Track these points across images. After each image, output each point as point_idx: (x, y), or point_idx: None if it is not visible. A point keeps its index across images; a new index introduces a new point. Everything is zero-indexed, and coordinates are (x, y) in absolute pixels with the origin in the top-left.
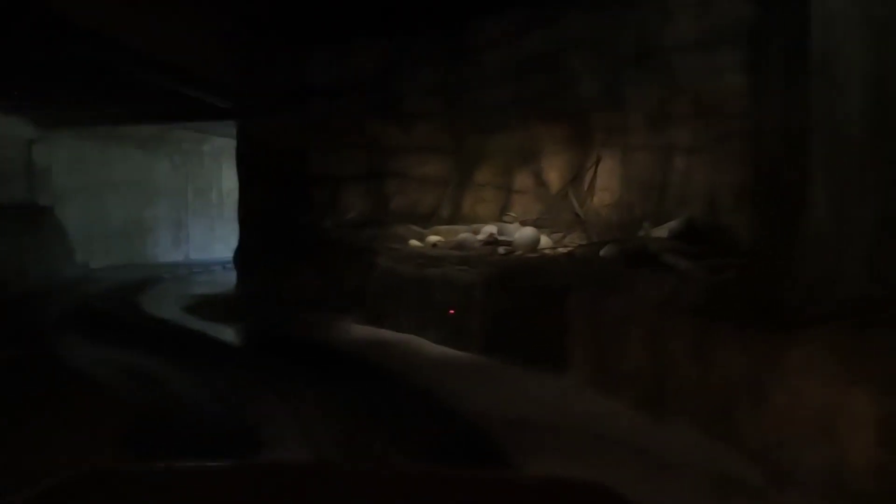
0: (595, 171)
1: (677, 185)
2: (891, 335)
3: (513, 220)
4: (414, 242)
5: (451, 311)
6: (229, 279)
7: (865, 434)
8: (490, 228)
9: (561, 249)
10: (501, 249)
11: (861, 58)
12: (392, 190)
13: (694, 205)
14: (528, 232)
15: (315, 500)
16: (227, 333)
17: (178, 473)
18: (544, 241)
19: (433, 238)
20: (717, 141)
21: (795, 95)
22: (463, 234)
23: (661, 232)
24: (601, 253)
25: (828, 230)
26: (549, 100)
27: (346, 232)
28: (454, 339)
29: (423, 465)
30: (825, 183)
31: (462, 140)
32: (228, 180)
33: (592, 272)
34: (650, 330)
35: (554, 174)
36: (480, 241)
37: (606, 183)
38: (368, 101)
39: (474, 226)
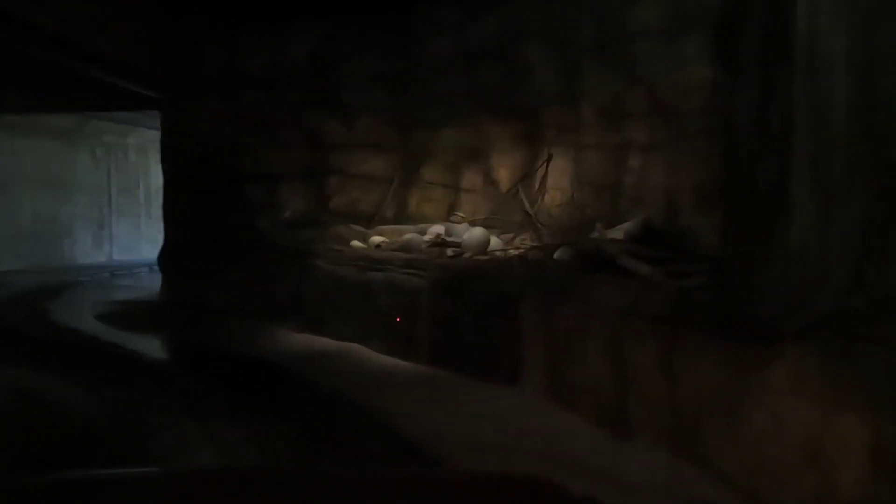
0: (546, 170)
1: (632, 185)
2: (882, 353)
3: (461, 220)
4: (356, 244)
5: (398, 319)
6: (155, 283)
7: (856, 461)
8: (437, 229)
9: (512, 251)
10: (450, 251)
11: (846, 47)
12: (333, 188)
13: (650, 206)
14: (477, 233)
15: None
16: (144, 345)
17: (99, 482)
18: (494, 242)
19: (377, 239)
20: (676, 138)
21: (774, 88)
22: (409, 234)
23: (617, 234)
24: (555, 256)
25: (810, 235)
26: (500, 93)
27: (283, 232)
28: (400, 349)
29: (369, 467)
30: (808, 183)
31: (408, 136)
32: (157, 176)
33: (546, 276)
34: (610, 340)
35: (504, 172)
36: (427, 242)
37: (558, 182)
38: (307, 92)
39: (421, 226)
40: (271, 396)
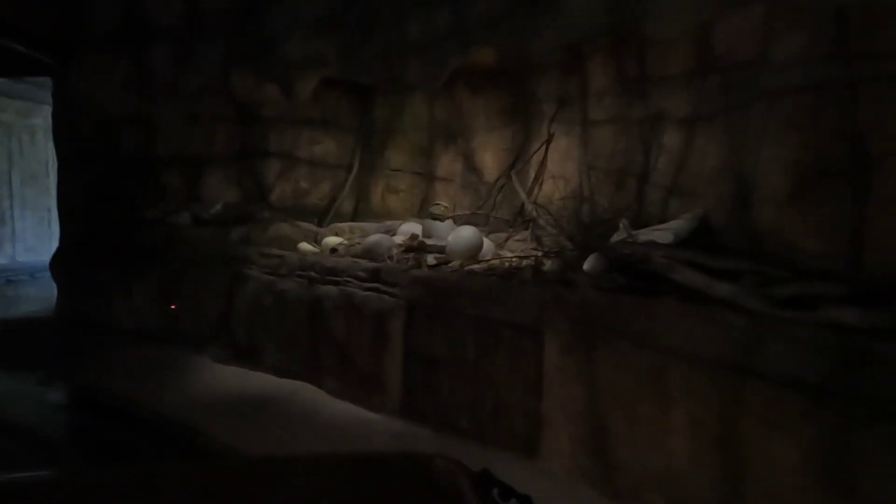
0: (545, 154)
1: (666, 170)
2: None
3: (443, 215)
4: (305, 246)
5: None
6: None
7: None
8: (412, 228)
9: (514, 259)
10: (430, 258)
11: None
12: (274, 175)
13: (703, 196)
14: (466, 234)
15: None
16: (3, 393)
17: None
18: (487, 246)
19: (332, 240)
20: (752, 102)
21: None
22: (374, 236)
23: (660, 235)
24: (585, 267)
25: None
26: (483, 43)
27: (209, 232)
28: (362, 393)
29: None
30: None
31: (369, 107)
32: None
33: (579, 300)
34: (705, 414)
35: (489, 157)
36: (400, 245)
37: (560, 168)
38: (232, 46)
39: (389, 224)
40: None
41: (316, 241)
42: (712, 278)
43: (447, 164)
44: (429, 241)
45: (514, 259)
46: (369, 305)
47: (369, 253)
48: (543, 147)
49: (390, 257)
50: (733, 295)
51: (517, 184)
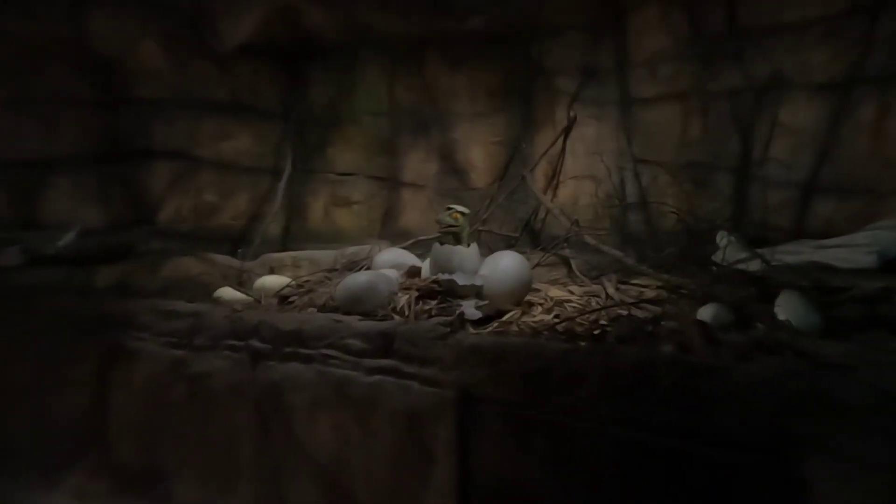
0: (564, 145)
1: (799, 159)
2: None
3: (461, 228)
4: (229, 294)
5: (368, 487)
6: None
7: None
8: (397, 255)
9: (571, 306)
10: (471, 309)
11: None
12: (161, 185)
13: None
14: (511, 264)
15: None
16: None
17: None
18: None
19: (272, 282)
20: None
21: None
22: (361, 275)
23: (853, 257)
24: (785, 318)
25: None
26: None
27: (57, 276)
28: None
29: None
30: None
31: (299, 88)
32: None
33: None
34: None
35: (478, 153)
36: (407, 287)
37: (586, 165)
38: None
39: (354, 250)
40: None
41: (241, 283)
42: None
43: (417, 164)
44: (444, 278)
45: (571, 307)
46: (384, 401)
47: (357, 303)
48: (562, 136)
49: (398, 310)
50: None
51: (535, 188)
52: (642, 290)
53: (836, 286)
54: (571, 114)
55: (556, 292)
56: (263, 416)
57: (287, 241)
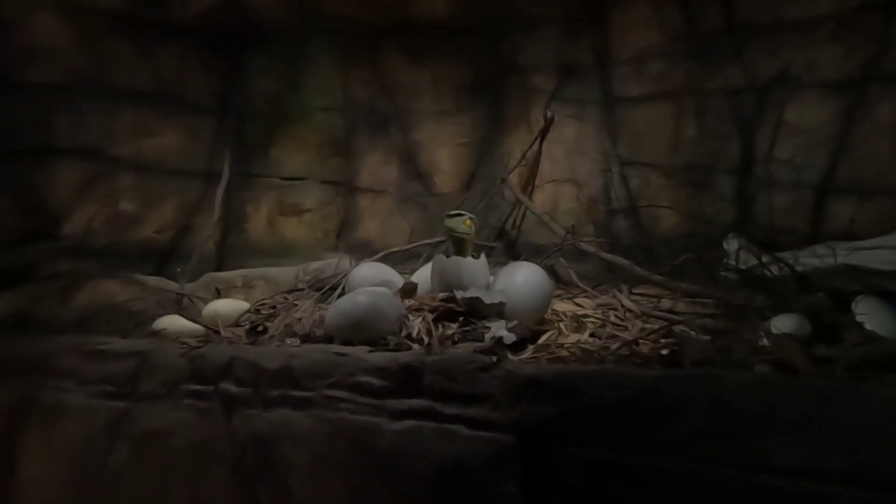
0: (540, 146)
1: (810, 159)
2: None
3: (470, 235)
4: (177, 323)
5: None
6: None
7: None
8: (377, 270)
9: (603, 329)
10: (503, 331)
11: None
12: (67, 191)
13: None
14: (532, 278)
15: None
16: None
17: None
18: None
19: (225, 307)
20: None
21: None
22: (360, 296)
23: (892, 259)
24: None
25: None
26: None
27: None
28: None
29: None
30: None
31: (238, 78)
32: None
33: None
34: None
35: (443, 155)
36: (417, 310)
37: (566, 168)
38: None
39: (317, 265)
40: None
41: (181, 307)
42: None
43: (375, 166)
44: (461, 296)
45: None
46: (421, 453)
47: (358, 329)
48: (538, 138)
49: (415, 336)
50: None
51: (517, 192)
52: (656, 300)
53: None
54: (549, 113)
55: (563, 306)
56: (246, 481)
57: (223, 257)
